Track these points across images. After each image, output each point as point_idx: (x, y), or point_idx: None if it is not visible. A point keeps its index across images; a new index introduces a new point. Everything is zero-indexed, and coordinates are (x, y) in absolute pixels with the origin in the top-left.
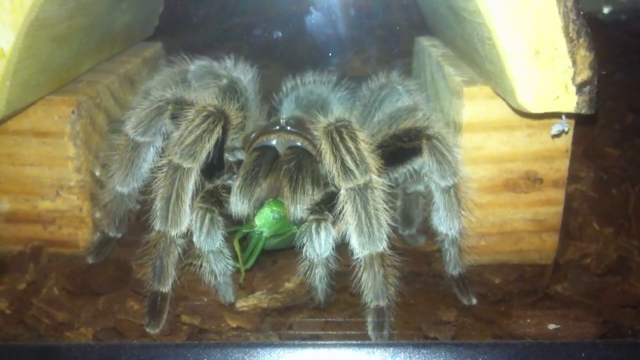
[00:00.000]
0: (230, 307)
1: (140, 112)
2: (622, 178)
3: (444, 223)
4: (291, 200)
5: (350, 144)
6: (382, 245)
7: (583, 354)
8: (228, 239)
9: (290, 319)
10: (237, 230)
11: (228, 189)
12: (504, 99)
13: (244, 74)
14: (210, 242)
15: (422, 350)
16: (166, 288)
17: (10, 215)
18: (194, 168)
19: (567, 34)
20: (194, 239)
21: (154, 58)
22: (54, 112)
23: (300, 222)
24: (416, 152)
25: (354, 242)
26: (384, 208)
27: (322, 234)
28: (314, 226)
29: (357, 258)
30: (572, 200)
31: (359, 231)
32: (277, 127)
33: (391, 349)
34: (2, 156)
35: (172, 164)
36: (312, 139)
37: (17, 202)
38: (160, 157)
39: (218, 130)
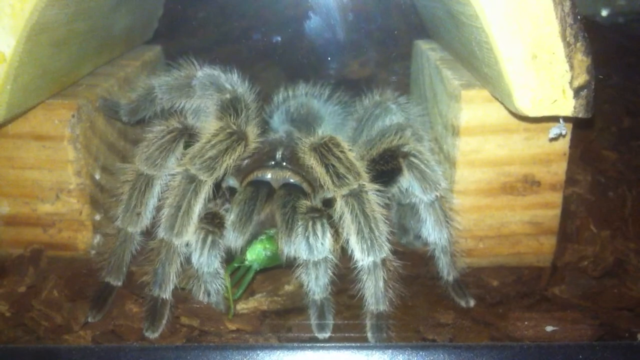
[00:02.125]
0: (230, 309)
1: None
2: (619, 181)
3: (432, 234)
4: (286, 242)
5: (338, 153)
6: (384, 252)
7: (580, 356)
8: None
9: (289, 321)
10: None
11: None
12: (501, 103)
13: (249, 91)
14: (210, 263)
15: (420, 353)
16: (166, 294)
17: (10, 219)
18: (209, 182)
19: (564, 38)
20: (193, 258)
21: (153, 61)
22: (54, 115)
23: (293, 260)
24: (397, 171)
25: (356, 250)
26: (381, 213)
27: (319, 230)
28: (310, 223)
29: (360, 265)
30: (570, 203)
31: (361, 237)
32: (273, 163)
33: (389, 351)
34: (2, 159)
35: (188, 174)
36: (306, 176)
37: (17, 205)
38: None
39: (240, 150)
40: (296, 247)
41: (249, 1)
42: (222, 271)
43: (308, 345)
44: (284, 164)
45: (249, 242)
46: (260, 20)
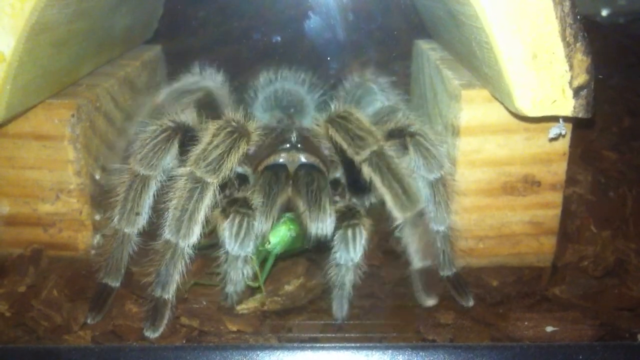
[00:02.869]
0: (230, 309)
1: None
2: (619, 181)
3: (433, 219)
4: (311, 218)
5: (353, 119)
6: (420, 204)
7: (580, 357)
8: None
9: (289, 321)
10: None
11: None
12: (501, 103)
13: (213, 81)
14: (245, 246)
15: (420, 353)
16: (168, 295)
17: (11, 218)
18: (215, 183)
19: (564, 38)
20: (227, 244)
21: (153, 61)
22: (54, 115)
23: (317, 239)
24: (402, 150)
25: (393, 209)
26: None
27: (358, 238)
28: (349, 231)
29: (400, 223)
30: (570, 203)
31: (394, 195)
32: (288, 146)
33: (389, 351)
34: (2, 159)
35: (194, 177)
36: (321, 156)
37: (17, 205)
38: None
39: (244, 147)
40: (324, 226)
41: (249, 1)
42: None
43: (308, 345)
44: (299, 145)
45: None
46: (261, 19)
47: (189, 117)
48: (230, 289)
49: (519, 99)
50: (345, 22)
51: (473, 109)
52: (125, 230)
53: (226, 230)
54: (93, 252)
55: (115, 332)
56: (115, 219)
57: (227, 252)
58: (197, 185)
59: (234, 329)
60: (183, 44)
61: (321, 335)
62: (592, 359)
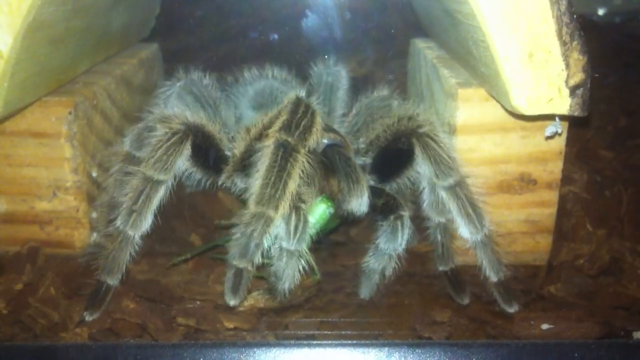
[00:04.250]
0: (226, 307)
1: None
2: (615, 180)
3: (461, 227)
4: (350, 194)
5: (442, 147)
6: (488, 226)
7: (576, 354)
8: None
9: (286, 319)
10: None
11: None
12: (498, 101)
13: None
14: (302, 241)
15: (416, 350)
16: (114, 281)
17: (7, 216)
18: (166, 181)
19: (560, 37)
20: (285, 240)
21: (150, 59)
22: (51, 113)
23: (351, 214)
24: (408, 155)
25: (465, 232)
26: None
27: (406, 229)
28: (399, 221)
29: (470, 244)
30: (566, 202)
31: (468, 220)
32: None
33: (386, 348)
34: None
35: (281, 144)
36: (342, 135)
37: (14, 202)
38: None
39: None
40: (362, 202)
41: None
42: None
43: (305, 343)
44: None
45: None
46: (258, 18)
47: (197, 116)
48: (285, 285)
49: (515, 98)
50: (342, 21)
51: (469, 108)
52: (129, 232)
53: (283, 226)
54: (89, 249)
55: (112, 329)
56: (119, 220)
57: (283, 249)
58: (289, 154)
59: (231, 326)
60: (180, 42)
61: (318, 332)
62: (588, 357)
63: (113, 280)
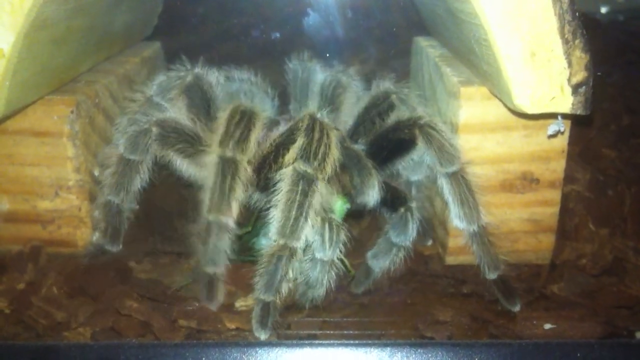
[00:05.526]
0: (228, 307)
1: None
2: (618, 179)
3: (457, 215)
4: (364, 185)
5: (444, 136)
6: (485, 218)
7: (578, 354)
8: None
9: (288, 318)
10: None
11: None
12: (500, 100)
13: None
14: (336, 249)
15: (419, 350)
16: (221, 269)
17: (10, 215)
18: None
19: (562, 35)
20: (319, 250)
21: (152, 58)
22: (53, 112)
23: (362, 206)
24: (410, 144)
25: (459, 221)
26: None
27: (416, 220)
28: (409, 213)
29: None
30: (568, 201)
31: (465, 209)
32: None
33: (388, 348)
34: (1, 156)
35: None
36: (339, 129)
37: (17, 201)
38: None
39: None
40: (375, 192)
41: None
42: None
43: (307, 342)
44: None
45: None
46: (260, 17)
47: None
48: (320, 292)
49: (517, 96)
50: (345, 20)
51: (472, 106)
52: (223, 219)
53: (317, 236)
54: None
55: (114, 328)
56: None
57: (316, 259)
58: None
59: (233, 326)
60: (183, 41)
61: (320, 332)
62: (590, 357)
63: (220, 269)
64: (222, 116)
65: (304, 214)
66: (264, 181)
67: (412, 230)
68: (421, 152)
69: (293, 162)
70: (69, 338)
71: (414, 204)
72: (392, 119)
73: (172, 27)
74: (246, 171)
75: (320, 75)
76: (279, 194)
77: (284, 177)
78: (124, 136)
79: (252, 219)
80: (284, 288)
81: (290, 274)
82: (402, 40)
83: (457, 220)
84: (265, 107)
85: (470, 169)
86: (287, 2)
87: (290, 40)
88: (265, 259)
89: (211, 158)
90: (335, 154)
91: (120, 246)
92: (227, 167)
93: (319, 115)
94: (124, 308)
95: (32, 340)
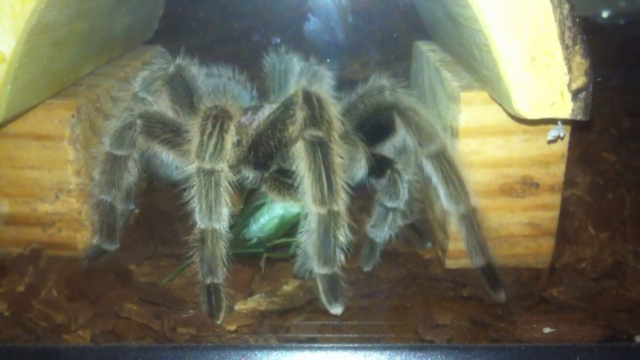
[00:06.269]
0: (227, 309)
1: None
2: (618, 183)
3: (444, 197)
4: (351, 160)
5: (422, 117)
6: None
7: (578, 358)
8: None
9: (288, 321)
10: None
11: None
12: (500, 105)
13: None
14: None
15: (418, 353)
16: (220, 279)
17: (10, 218)
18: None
19: (563, 41)
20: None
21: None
22: (54, 115)
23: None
24: (390, 128)
25: (447, 202)
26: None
27: (405, 181)
28: (397, 175)
29: (453, 217)
30: (568, 205)
31: (452, 189)
32: None
33: (387, 351)
34: (2, 159)
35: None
36: None
37: (17, 204)
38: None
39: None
40: (360, 164)
41: (249, 1)
42: None
43: (306, 345)
44: None
45: None
46: (261, 20)
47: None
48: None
49: (517, 101)
50: (345, 24)
51: (472, 111)
52: (216, 226)
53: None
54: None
55: (114, 331)
56: (200, 221)
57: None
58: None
59: (232, 328)
60: (183, 45)
61: (319, 335)
62: None
63: (219, 279)
64: (195, 124)
65: (335, 176)
66: (262, 159)
67: (403, 190)
68: (401, 137)
69: (299, 134)
70: (69, 341)
71: (399, 165)
72: (373, 103)
73: (173, 31)
74: (228, 175)
75: (297, 67)
76: (300, 169)
77: (299, 150)
78: (109, 133)
79: (242, 199)
80: (340, 256)
81: (341, 239)
82: (402, 44)
83: (446, 202)
84: (243, 101)
85: (451, 150)
86: (288, 6)
87: (291, 45)
88: (311, 230)
89: (191, 167)
90: (336, 114)
91: (117, 244)
92: (208, 179)
93: (313, 89)
94: (124, 311)
95: (32, 342)
